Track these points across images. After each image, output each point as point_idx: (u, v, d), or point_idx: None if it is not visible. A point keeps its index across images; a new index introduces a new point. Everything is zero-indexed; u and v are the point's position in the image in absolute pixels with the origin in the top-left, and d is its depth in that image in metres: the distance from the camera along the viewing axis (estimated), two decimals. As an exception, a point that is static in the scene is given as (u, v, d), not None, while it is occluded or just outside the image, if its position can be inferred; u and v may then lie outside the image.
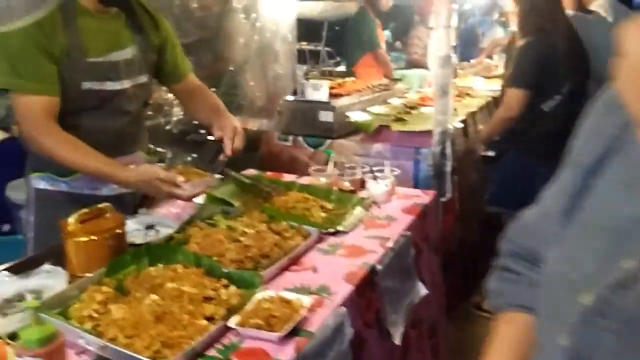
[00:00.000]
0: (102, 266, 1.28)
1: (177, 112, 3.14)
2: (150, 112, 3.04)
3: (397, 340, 1.57)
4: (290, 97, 2.99)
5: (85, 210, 1.32)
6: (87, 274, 1.28)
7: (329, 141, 2.88)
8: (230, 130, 1.72)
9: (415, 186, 2.50)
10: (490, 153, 2.46)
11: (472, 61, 5.05)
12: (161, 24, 1.75)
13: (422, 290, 1.76)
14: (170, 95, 3.19)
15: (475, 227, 2.98)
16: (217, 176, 1.78)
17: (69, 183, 1.63)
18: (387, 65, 4.68)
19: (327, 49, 7.62)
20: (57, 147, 1.48)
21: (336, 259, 1.48)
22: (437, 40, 2.31)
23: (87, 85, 1.53)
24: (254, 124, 3.11)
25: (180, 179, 1.52)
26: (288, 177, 2.25)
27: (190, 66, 1.88)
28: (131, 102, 1.66)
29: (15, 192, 3.58)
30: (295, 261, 1.43)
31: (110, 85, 1.57)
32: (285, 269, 1.39)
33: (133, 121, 1.70)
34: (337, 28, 6.90)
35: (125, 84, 1.61)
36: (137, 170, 1.52)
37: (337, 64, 7.26)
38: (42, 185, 1.64)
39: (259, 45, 3.05)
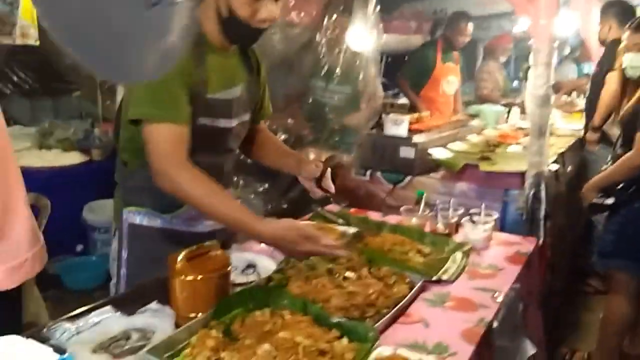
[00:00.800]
0: (207, 306, 1.23)
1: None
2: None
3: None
4: (370, 131, 2.93)
5: (192, 248, 1.28)
6: (192, 314, 1.23)
7: (408, 178, 2.79)
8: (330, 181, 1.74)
9: (502, 230, 2.36)
10: (609, 201, 2.26)
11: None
12: (262, 69, 1.73)
13: (530, 349, 1.62)
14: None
15: (564, 275, 2.78)
16: (352, 230, 1.78)
17: (167, 219, 1.57)
18: (458, 101, 4.59)
19: (383, 79, 7.58)
20: (191, 185, 1.38)
21: (446, 313, 1.37)
22: (535, 78, 2.20)
23: (203, 121, 1.48)
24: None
25: (327, 239, 1.41)
26: (372, 215, 2.17)
27: (270, 112, 1.82)
28: (235, 140, 1.63)
29: (92, 214, 3.69)
30: (402, 312, 1.34)
31: (222, 123, 1.54)
32: (393, 321, 1.30)
33: (231, 159, 1.68)
34: (389, 60, 6.89)
35: (234, 122, 1.58)
36: (275, 224, 1.38)
37: (396, 95, 7.22)
38: (137, 220, 1.58)
39: (340, 79, 3.02)
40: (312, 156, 3.14)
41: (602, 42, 3.39)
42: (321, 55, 3.05)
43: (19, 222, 1.44)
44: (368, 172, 2.90)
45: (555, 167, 2.61)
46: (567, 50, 6.23)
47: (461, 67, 4.64)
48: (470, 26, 4.30)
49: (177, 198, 1.43)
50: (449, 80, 4.42)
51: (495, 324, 1.34)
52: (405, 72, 4.51)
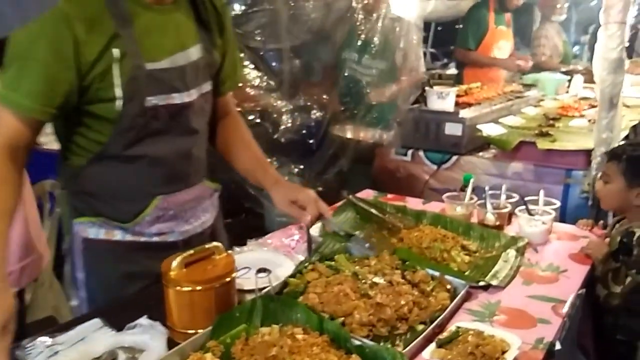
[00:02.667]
0: (206, 320, 1.05)
1: (286, 121, 2.93)
2: (257, 120, 2.87)
3: None
4: (412, 106, 2.65)
5: (190, 252, 1.10)
6: (190, 330, 1.05)
7: (455, 157, 2.51)
8: (312, 205, 1.34)
9: (563, 215, 2.06)
10: None
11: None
12: (226, 19, 1.36)
13: (584, 361, 1.35)
14: (280, 102, 3.02)
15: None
16: None
17: (129, 230, 1.25)
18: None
19: (432, 50, 7.13)
20: None
21: (495, 330, 1.12)
22: (607, 39, 1.85)
23: (151, 100, 1.17)
24: (368, 135, 2.82)
25: None
26: (412, 202, 1.93)
27: (239, 80, 1.50)
28: (198, 117, 1.29)
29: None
30: (441, 329, 1.11)
31: (178, 98, 1.21)
32: (429, 339, 1.07)
33: (200, 141, 1.33)
34: (439, 28, 6.42)
35: (193, 94, 1.25)
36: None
37: (445, 66, 6.77)
38: (91, 234, 1.26)
39: (379, 49, 2.73)
40: (349, 134, 2.91)
41: None
42: (357, 23, 2.77)
43: (14, 233, 1.31)
44: (410, 152, 2.64)
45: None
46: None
47: (514, 31, 4.20)
48: None
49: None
50: (500, 46, 4.01)
51: (557, 346, 1.08)
52: (461, 42, 4.06)
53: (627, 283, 1.43)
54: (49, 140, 1.86)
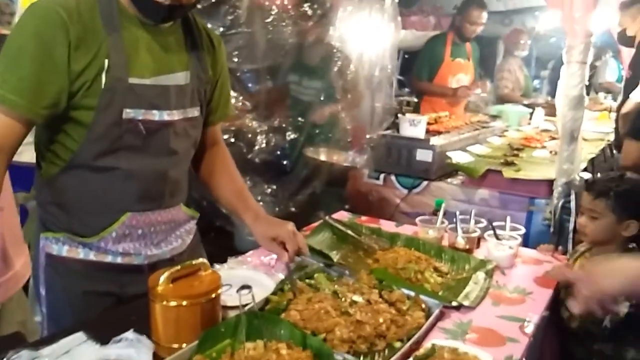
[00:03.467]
0: (192, 336, 1.07)
1: (260, 141, 2.98)
2: (232, 140, 2.90)
3: None
4: (384, 132, 2.75)
5: (177, 268, 1.12)
6: (175, 344, 1.07)
7: (425, 183, 2.61)
8: (291, 241, 1.37)
9: (527, 241, 2.16)
10: None
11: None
12: (220, 54, 1.40)
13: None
14: (255, 123, 3.06)
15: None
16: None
17: (93, 246, 1.24)
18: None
19: (400, 77, 7.33)
20: None
21: (468, 347, 1.19)
22: (568, 77, 2.00)
23: (129, 113, 1.17)
24: (342, 159, 2.89)
25: None
26: (385, 225, 2.00)
27: (229, 113, 1.51)
28: (179, 139, 1.29)
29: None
30: (417, 346, 1.16)
31: (158, 115, 1.21)
32: (406, 357, 1.12)
33: (179, 164, 1.32)
34: (406, 56, 6.62)
35: (175, 115, 1.25)
36: None
37: (412, 94, 6.98)
38: (54, 250, 1.25)
39: (354, 76, 2.83)
40: (322, 157, 2.97)
41: (626, 41, 3.08)
42: (334, 50, 2.87)
43: None
44: (382, 176, 2.72)
45: (586, 175, 2.40)
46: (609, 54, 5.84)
47: (476, 64, 4.26)
48: (483, 14, 3.86)
49: None
50: (458, 78, 4.05)
51: (524, 363, 1.16)
52: (417, 72, 4.16)
53: None
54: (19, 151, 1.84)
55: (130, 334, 1.06)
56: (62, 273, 1.26)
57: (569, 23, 2.00)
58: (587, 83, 2.02)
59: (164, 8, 1.17)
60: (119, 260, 1.27)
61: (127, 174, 1.22)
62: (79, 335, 1.09)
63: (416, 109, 4.13)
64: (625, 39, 3.02)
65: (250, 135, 2.95)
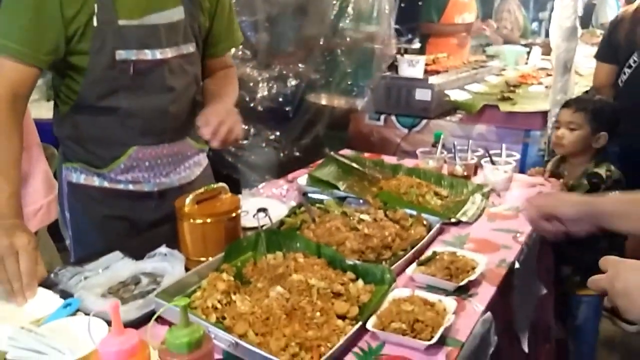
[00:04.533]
0: (217, 250, 1.19)
1: (262, 89, 3.04)
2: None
3: (526, 347, 1.40)
4: (384, 74, 2.81)
5: (200, 190, 1.23)
6: (202, 258, 1.19)
7: (424, 121, 2.69)
8: (216, 122, 1.28)
9: (523, 172, 2.27)
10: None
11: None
12: None
13: (542, 289, 1.57)
14: (255, 72, 3.11)
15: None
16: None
17: (106, 176, 1.36)
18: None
19: (396, 26, 7.25)
20: None
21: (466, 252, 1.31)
22: (562, 9, 2.05)
23: (121, 54, 1.22)
24: (342, 102, 2.96)
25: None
26: (387, 159, 2.10)
27: (235, 44, 1.55)
28: (175, 76, 1.33)
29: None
30: (420, 254, 1.28)
31: (150, 54, 1.26)
32: (410, 262, 1.25)
33: (178, 101, 1.37)
34: (402, 5, 6.52)
35: (168, 53, 1.29)
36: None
37: (409, 42, 6.93)
38: (74, 178, 1.38)
39: (352, 19, 2.86)
40: (324, 102, 3.04)
41: None
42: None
43: (38, 171, 1.43)
44: (382, 117, 2.80)
45: (579, 105, 2.48)
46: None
47: (479, 4, 4.29)
48: None
49: None
50: (463, 17, 4.03)
51: (517, 265, 1.28)
52: (425, 15, 4.04)
53: None
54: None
55: (163, 249, 1.18)
56: (82, 199, 1.39)
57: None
58: (580, 14, 2.07)
59: None
60: (130, 187, 1.38)
61: (128, 112, 1.30)
62: (116, 253, 1.21)
63: (421, 53, 4.11)
64: None
65: (251, 84, 3.01)
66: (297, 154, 3.05)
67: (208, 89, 1.48)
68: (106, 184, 1.37)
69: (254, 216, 1.37)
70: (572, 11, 2.03)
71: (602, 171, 1.83)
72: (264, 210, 1.35)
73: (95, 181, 1.37)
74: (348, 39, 2.94)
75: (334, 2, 2.91)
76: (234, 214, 1.24)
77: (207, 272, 1.11)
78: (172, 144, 1.40)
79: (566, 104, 1.96)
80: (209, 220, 1.20)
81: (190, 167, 1.48)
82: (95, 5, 1.18)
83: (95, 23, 1.19)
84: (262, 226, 1.29)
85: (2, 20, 1.18)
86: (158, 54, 1.28)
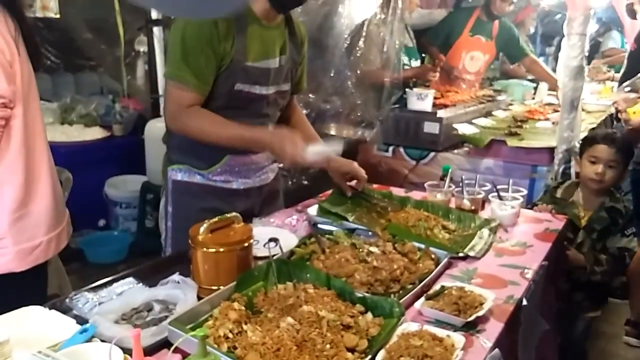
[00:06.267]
0: (229, 279, 1.21)
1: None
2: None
3: (532, 384, 1.40)
4: (392, 107, 2.86)
5: (214, 220, 1.26)
6: (214, 286, 1.21)
7: (432, 154, 2.73)
8: (359, 172, 1.83)
9: (529, 207, 2.29)
10: None
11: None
12: (305, 39, 1.82)
13: (544, 325, 1.57)
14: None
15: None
16: (337, 145, 1.76)
17: (205, 175, 1.69)
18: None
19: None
20: (196, 119, 1.54)
21: (474, 288, 1.33)
22: (569, 48, 2.10)
23: (239, 86, 1.59)
24: (351, 133, 3.01)
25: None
26: (395, 191, 2.12)
27: (305, 86, 1.93)
28: (270, 106, 1.71)
29: (113, 189, 3.71)
30: (428, 288, 1.30)
31: (258, 90, 1.63)
32: (418, 296, 1.26)
33: (266, 124, 1.73)
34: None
35: (271, 89, 1.67)
36: (271, 131, 1.62)
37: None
38: (179, 177, 1.71)
39: (363, 51, 2.94)
40: (333, 132, 3.09)
41: (632, 14, 3.16)
42: (344, 27, 2.96)
43: (41, 202, 1.43)
44: (391, 148, 2.84)
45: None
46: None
47: (502, 45, 4.03)
48: None
49: (189, 136, 1.58)
50: (473, 55, 4.00)
51: (524, 302, 1.29)
52: (430, 35, 4.01)
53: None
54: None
55: (176, 276, 1.21)
56: (184, 194, 1.70)
57: (570, -3, 2.10)
58: (586, 54, 2.12)
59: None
60: (223, 185, 1.71)
61: None
62: (130, 280, 1.24)
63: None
64: (632, 13, 3.10)
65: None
66: (306, 182, 3.09)
67: (308, 131, 1.91)
68: (205, 181, 1.69)
69: (264, 245, 1.40)
70: (579, 51, 2.08)
71: (621, 206, 1.97)
72: (275, 240, 1.38)
73: (197, 178, 1.69)
74: (358, 72, 3.01)
75: (346, 35, 2.99)
76: (246, 244, 1.27)
77: (219, 301, 1.13)
78: (257, 155, 1.74)
79: (605, 141, 2.03)
80: (222, 250, 1.22)
81: (267, 172, 1.84)
82: (234, 50, 1.53)
83: (231, 62, 1.54)
84: (273, 256, 1.32)
85: (187, 63, 1.51)
86: (263, 90, 1.64)
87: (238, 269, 1.24)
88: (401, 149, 2.80)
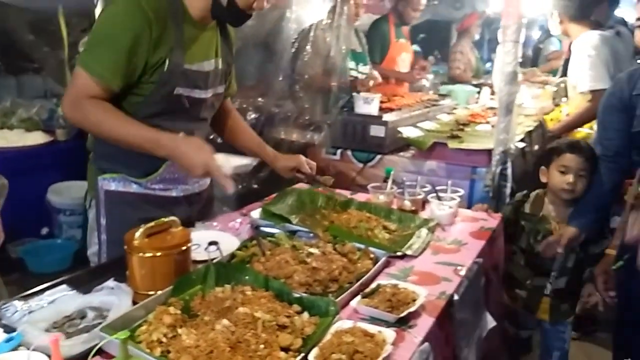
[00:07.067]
0: (166, 284, 1.21)
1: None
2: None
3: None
4: (340, 110, 2.91)
5: (151, 224, 1.25)
6: (151, 292, 1.21)
7: (378, 156, 2.78)
8: (306, 165, 1.93)
9: (470, 207, 2.38)
10: None
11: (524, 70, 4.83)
12: (235, 42, 1.80)
13: (491, 322, 1.64)
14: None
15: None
16: (251, 161, 1.71)
17: (143, 184, 1.62)
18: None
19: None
20: (97, 111, 1.42)
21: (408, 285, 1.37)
22: (504, 55, 2.20)
23: (179, 90, 1.54)
24: (300, 137, 3.04)
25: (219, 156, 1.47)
26: (341, 193, 2.16)
27: (235, 89, 1.91)
28: (208, 110, 1.69)
29: (57, 196, 3.59)
30: (365, 287, 1.34)
31: (198, 93, 1.59)
32: (355, 295, 1.29)
33: (204, 127, 1.73)
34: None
35: (209, 92, 1.64)
36: (179, 136, 1.44)
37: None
38: (112, 187, 1.61)
39: (310, 56, 2.97)
40: (282, 135, 3.11)
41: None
42: (292, 32, 2.99)
43: None
44: (339, 152, 2.88)
45: (521, 144, 2.64)
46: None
47: (434, 46, 4.46)
48: (423, 1, 3.99)
49: (86, 129, 1.51)
50: (402, 58, 4.15)
51: (456, 297, 1.35)
52: (368, 53, 4.04)
53: None
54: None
55: (110, 282, 1.20)
56: (119, 204, 1.61)
57: (505, 5, 2.20)
58: (520, 60, 2.23)
59: (246, 16, 1.57)
60: (162, 193, 1.65)
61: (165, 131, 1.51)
62: (63, 287, 1.22)
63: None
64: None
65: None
66: (256, 186, 3.09)
67: (252, 136, 1.98)
68: (143, 191, 1.62)
69: (205, 249, 1.40)
70: (513, 57, 2.18)
71: None
72: (214, 243, 1.39)
73: (134, 188, 1.61)
74: (306, 76, 3.04)
75: (293, 39, 3.02)
76: (183, 248, 1.27)
77: (154, 306, 1.13)
78: None
79: (573, 150, 1.97)
80: (158, 254, 1.22)
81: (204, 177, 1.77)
82: (171, 52, 1.47)
83: (167, 64, 1.47)
84: (213, 259, 1.32)
85: (100, 52, 1.43)
86: (202, 94, 1.61)
87: (176, 274, 1.24)
88: (349, 152, 2.84)
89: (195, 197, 1.74)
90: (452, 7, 6.21)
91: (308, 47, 2.97)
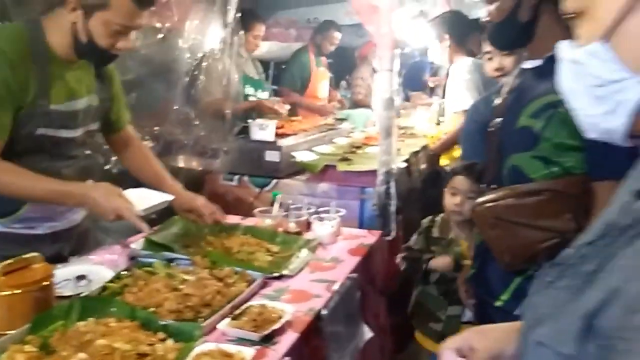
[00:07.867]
0: (25, 322, 1.18)
1: (117, 152, 3.03)
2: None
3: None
4: (236, 137, 2.97)
5: (9, 261, 1.22)
6: (9, 332, 1.17)
7: (274, 181, 2.85)
8: (205, 208, 1.83)
9: (361, 226, 2.50)
10: None
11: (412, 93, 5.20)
12: (114, 74, 1.78)
13: (367, 333, 1.74)
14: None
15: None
16: (168, 198, 1.71)
17: (4, 224, 1.56)
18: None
19: (274, 87, 7.70)
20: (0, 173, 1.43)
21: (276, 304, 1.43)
22: (380, 82, 2.37)
23: (41, 131, 1.50)
24: (197, 164, 3.05)
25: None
26: (232, 219, 2.20)
27: (129, 118, 1.88)
28: (79, 147, 1.66)
29: None
30: (236, 308, 1.38)
31: (65, 133, 1.56)
32: (226, 317, 1.33)
33: (76, 165, 1.66)
34: (283, 67, 6.99)
35: (79, 131, 1.61)
36: (88, 184, 1.48)
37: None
38: None
39: (204, 84, 3.02)
40: (180, 163, 3.11)
41: None
42: (185, 61, 3.02)
43: None
44: (236, 178, 2.92)
45: (404, 164, 2.82)
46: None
47: (340, 73, 4.76)
48: (338, 35, 4.48)
49: None
50: (322, 85, 4.56)
51: (324, 312, 1.43)
52: (286, 80, 4.55)
53: None
54: None
55: (-39, 325, 1.14)
56: None
57: (378, 37, 2.38)
58: (396, 87, 2.41)
59: (112, 56, 1.55)
60: (24, 231, 1.59)
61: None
62: None
63: (292, 114, 4.36)
64: None
65: (106, 147, 2.99)
66: (154, 216, 3.05)
67: (152, 168, 1.89)
68: (3, 229, 1.56)
69: (75, 284, 1.38)
70: (388, 85, 2.35)
71: None
72: (83, 277, 1.38)
73: None
74: (201, 103, 3.08)
75: (188, 69, 3.05)
76: (45, 284, 1.25)
77: (9, 345, 1.10)
78: None
79: (464, 172, 1.97)
80: (16, 292, 1.19)
81: (77, 212, 1.73)
82: (35, 94, 1.44)
83: (30, 107, 1.45)
84: (79, 294, 1.31)
85: None
86: (71, 134, 1.58)
87: (36, 311, 1.21)
88: (246, 178, 2.89)
89: (64, 233, 1.69)
90: (355, 34, 6.56)
91: (202, 76, 3.02)
